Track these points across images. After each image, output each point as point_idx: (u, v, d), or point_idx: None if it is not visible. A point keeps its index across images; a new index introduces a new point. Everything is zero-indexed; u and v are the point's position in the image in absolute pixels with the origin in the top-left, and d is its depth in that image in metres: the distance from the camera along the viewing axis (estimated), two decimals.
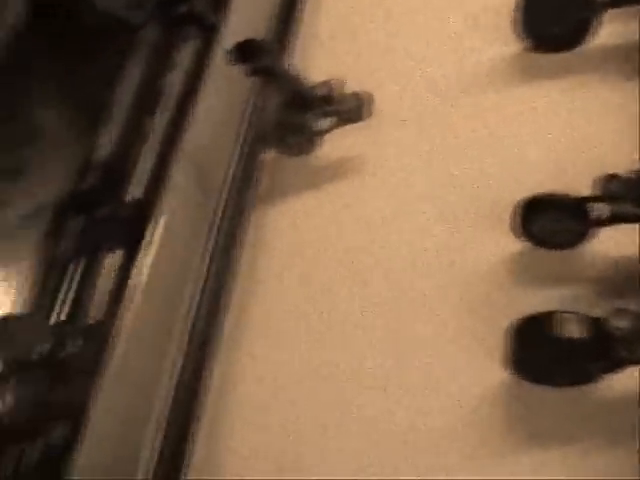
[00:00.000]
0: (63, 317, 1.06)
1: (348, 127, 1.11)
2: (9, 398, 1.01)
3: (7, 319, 1.04)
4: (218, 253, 1.06)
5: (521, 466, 0.86)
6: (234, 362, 1.01)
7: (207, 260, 1.05)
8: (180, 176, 1.09)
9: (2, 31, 1.04)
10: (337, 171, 1.12)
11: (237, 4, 1.21)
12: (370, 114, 1.09)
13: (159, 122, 1.16)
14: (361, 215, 1.08)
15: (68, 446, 0.95)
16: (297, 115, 1.10)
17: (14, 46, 1.09)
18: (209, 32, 1.20)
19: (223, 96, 1.16)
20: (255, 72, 1.07)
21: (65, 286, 1.08)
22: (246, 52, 1.06)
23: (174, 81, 1.18)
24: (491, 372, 0.90)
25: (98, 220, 1.09)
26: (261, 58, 1.05)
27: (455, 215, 1.03)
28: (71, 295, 1.07)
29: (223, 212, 1.09)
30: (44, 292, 1.08)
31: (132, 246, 1.05)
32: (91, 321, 1.04)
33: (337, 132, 1.12)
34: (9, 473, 0.98)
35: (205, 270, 1.05)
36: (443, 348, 0.93)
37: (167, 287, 1.05)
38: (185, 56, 1.20)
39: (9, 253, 1.13)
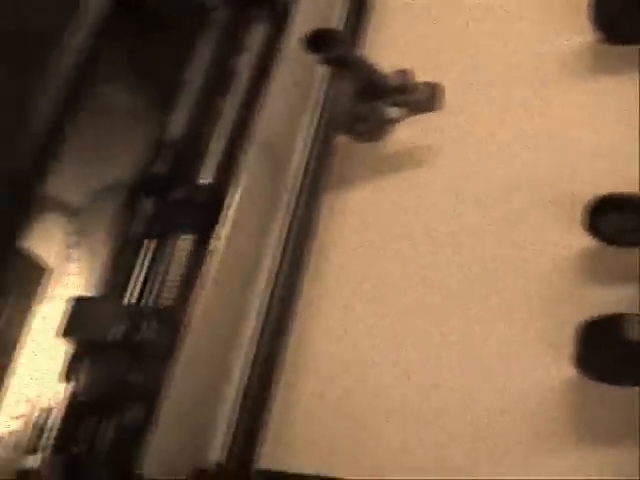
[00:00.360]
0: (134, 300, 1.09)
1: (418, 117, 1.11)
2: (83, 378, 1.04)
3: (82, 300, 1.06)
4: (291, 238, 1.07)
5: (587, 465, 0.88)
6: (301, 354, 1.03)
7: (280, 245, 1.07)
8: (253, 160, 1.10)
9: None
10: (405, 159, 1.12)
11: None
12: (441, 105, 1.09)
13: (231, 104, 1.17)
14: (429, 205, 1.08)
15: (142, 427, 0.99)
16: (368, 103, 1.10)
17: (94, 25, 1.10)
18: (281, 16, 1.20)
19: (295, 81, 1.17)
20: (328, 61, 1.07)
21: (137, 268, 1.11)
22: (319, 42, 1.06)
23: (246, 64, 1.19)
24: (559, 370, 0.92)
25: (171, 203, 1.11)
26: (334, 48, 1.06)
27: (523, 211, 1.04)
28: (142, 278, 1.10)
29: (297, 198, 1.10)
30: (117, 274, 1.11)
31: (205, 230, 1.07)
32: (163, 305, 1.06)
33: (407, 121, 1.12)
34: (83, 451, 1.02)
35: (279, 255, 1.06)
36: (513, 345, 0.95)
37: (239, 272, 1.07)
38: (256, 39, 1.21)
39: (82, 232, 1.15)
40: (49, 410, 1.05)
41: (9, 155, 1.05)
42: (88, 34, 1.08)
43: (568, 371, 0.91)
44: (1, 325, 1.02)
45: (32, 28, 1.03)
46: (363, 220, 1.10)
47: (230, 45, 1.21)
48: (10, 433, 1.04)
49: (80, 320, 1.04)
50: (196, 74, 1.20)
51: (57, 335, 1.04)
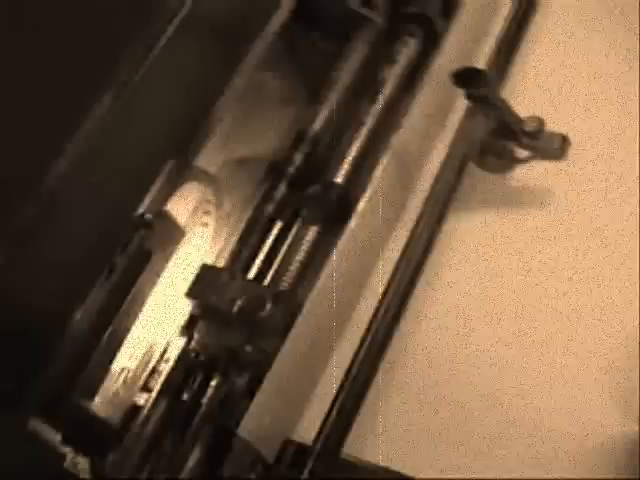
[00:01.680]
0: (255, 276, 1.21)
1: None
2: (200, 337, 1.17)
3: (209, 268, 1.17)
4: (409, 252, 1.17)
5: None
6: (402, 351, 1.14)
7: (397, 256, 1.17)
8: (385, 169, 1.18)
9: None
10: (528, 198, 1.21)
11: (464, 22, 1.27)
12: (566, 156, 1.17)
13: (373, 111, 1.25)
14: (543, 246, 1.17)
15: (244, 393, 1.11)
16: (501, 140, 1.18)
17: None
18: (435, 36, 1.28)
19: (437, 102, 1.25)
20: (471, 98, 1.15)
21: (263, 248, 1.22)
22: (466, 78, 1.14)
23: (393, 75, 1.27)
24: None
25: (304, 193, 1.20)
26: (480, 87, 1.13)
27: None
28: (266, 258, 1.21)
29: (421, 213, 1.19)
30: (244, 248, 1.22)
31: (332, 225, 1.18)
32: (282, 287, 1.17)
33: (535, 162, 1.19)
34: (188, 400, 1.15)
35: (395, 263, 1.16)
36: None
37: (356, 270, 1.17)
38: (407, 53, 1.28)
39: (218, 201, 1.25)
40: (166, 358, 1.18)
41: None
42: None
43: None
44: (141, 278, 1.14)
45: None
46: (475, 248, 1.18)
47: (382, 54, 1.29)
48: (128, 370, 1.17)
49: (205, 286, 1.15)
50: (345, 76, 1.28)
51: (184, 295, 1.16)
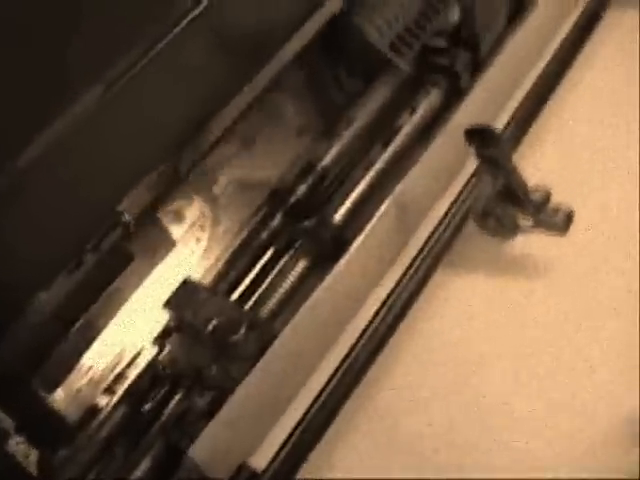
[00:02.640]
0: (238, 299, 1.19)
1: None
2: (172, 350, 1.15)
3: (192, 283, 1.15)
4: (396, 300, 1.15)
5: None
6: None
7: (384, 303, 1.14)
8: (385, 215, 1.17)
9: None
10: (524, 266, 1.18)
11: (490, 82, 1.26)
12: (569, 229, 1.14)
13: (383, 154, 1.24)
14: (533, 315, 1.14)
15: (204, 413, 1.09)
16: (506, 206, 1.16)
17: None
18: (457, 93, 1.26)
19: (449, 156, 1.23)
20: (482, 158, 1.13)
21: (251, 272, 1.20)
22: (479, 136, 1.12)
23: (410, 123, 1.26)
24: None
25: (301, 226, 1.19)
26: (491, 148, 1.12)
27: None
28: (251, 283, 1.19)
29: (412, 260, 1.17)
30: (232, 269, 1.20)
31: (322, 263, 1.16)
32: (261, 315, 1.15)
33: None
34: (146, 412, 1.12)
35: (379, 308, 1.14)
36: None
37: (339, 309, 1.15)
38: (428, 103, 1.27)
39: (215, 219, 1.24)
40: (134, 364, 1.16)
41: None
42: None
43: None
44: (120, 279, 1.12)
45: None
46: (462, 304, 1.16)
47: (403, 100, 1.28)
48: (95, 369, 1.15)
49: (184, 299, 1.14)
50: (363, 116, 1.27)
51: (162, 305, 1.14)
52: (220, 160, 1.24)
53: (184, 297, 1.14)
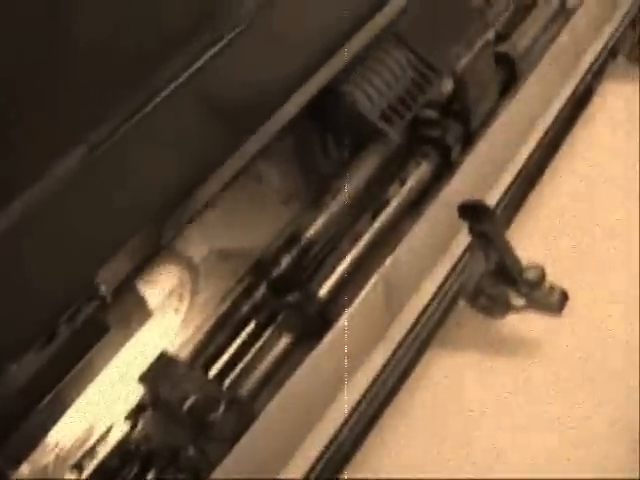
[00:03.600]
0: (216, 376, 1.12)
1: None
2: (144, 427, 1.07)
3: (169, 357, 1.08)
4: (385, 381, 1.08)
5: None
6: None
7: (368, 382, 1.08)
8: (372, 291, 1.11)
9: None
10: (512, 345, 1.13)
11: (482, 155, 1.22)
12: (562, 311, 1.10)
13: (372, 229, 1.19)
14: (525, 394, 1.09)
15: None
16: (498, 284, 1.11)
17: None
18: (447, 166, 1.22)
19: (438, 232, 1.18)
20: (475, 234, 1.08)
21: (230, 348, 1.13)
22: (471, 211, 1.08)
23: (399, 195, 1.21)
24: None
25: (284, 301, 1.13)
26: (485, 224, 1.07)
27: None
28: (230, 359, 1.13)
29: (402, 340, 1.11)
30: (210, 344, 1.13)
31: (306, 340, 1.10)
32: (240, 394, 1.08)
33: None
34: None
35: (366, 394, 1.08)
36: None
37: (319, 392, 1.09)
38: (417, 176, 1.23)
39: (194, 290, 1.17)
40: (104, 440, 1.09)
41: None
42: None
43: None
44: (94, 351, 1.05)
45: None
46: (451, 388, 1.11)
47: (392, 172, 1.23)
48: (62, 445, 1.07)
49: (160, 374, 1.07)
50: (351, 187, 1.22)
51: (137, 379, 1.07)
52: (201, 228, 1.18)
53: (160, 372, 1.07)
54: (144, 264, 1.02)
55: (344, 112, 1.18)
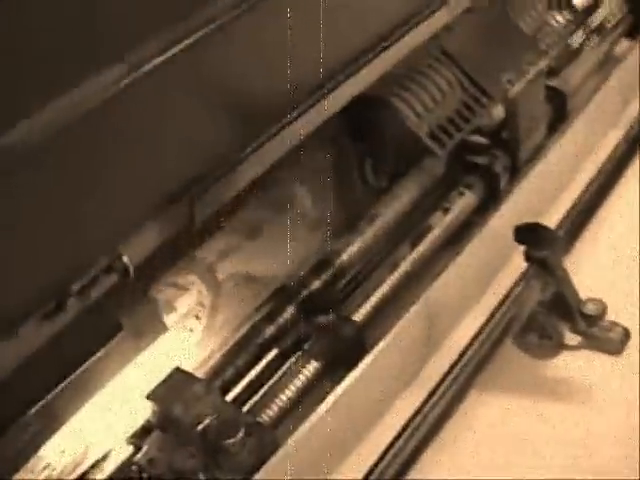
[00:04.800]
0: (235, 400, 0.98)
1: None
2: (149, 451, 0.93)
3: (182, 373, 0.95)
4: (420, 423, 0.95)
5: None
6: None
7: (407, 425, 0.95)
8: (411, 320, 1.00)
9: None
10: (564, 389, 1.00)
11: (532, 185, 1.11)
12: (623, 351, 0.98)
13: (411, 257, 1.08)
14: (572, 441, 0.95)
15: None
16: (552, 318, 0.99)
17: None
18: (494, 195, 1.12)
19: (487, 261, 1.07)
20: (531, 259, 0.97)
21: (252, 371, 1.00)
22: (529, 236, 0.97)
23: (441, 224, 1.11)
24: None
25: (314, 324, 1.00)
26: (544, 250, 0.95)
27: None
28: (251, 382, 0.99)
29: (443, 377, 0.98)
30: (230, 366, 1.00)
31: (336, 366, 0.97)
32: (261, 420, 0.94)
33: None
34: None
35: (400, 436, 0.95)
36: None
37: (353, 425, 0.95)
38: (461, 206, 1.12)
39: (214, 307, 1.05)
40: (102, 463, 0.94)
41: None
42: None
43: None
44: (99, 357, 0.91)
45: None
46: (492, 433, 0.97)
47: (434, 199, 1.13)
48: (52, 468, 0.92)
49: (173, 391, 0.93)
50: (390, 212, 1.11)
51: (145, 396, 0.93)
52: (226, 248, 1.07)
53: (172, 388, 0.93)
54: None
55: (391, 126, 1.08)
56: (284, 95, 0.89)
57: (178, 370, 0.96)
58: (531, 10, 1.23)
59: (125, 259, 0.73)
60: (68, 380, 0.86)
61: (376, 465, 0.94)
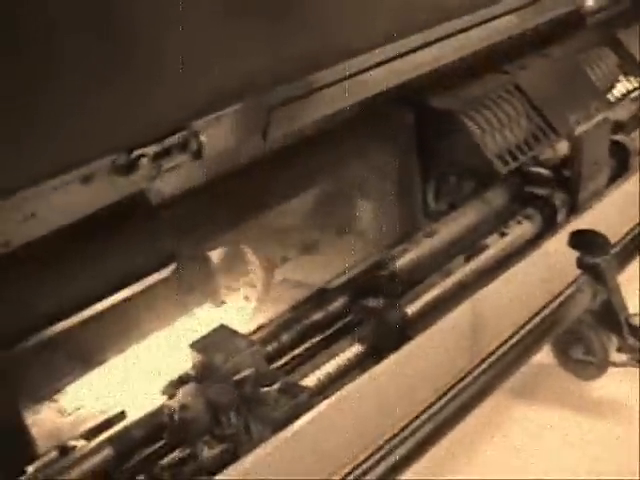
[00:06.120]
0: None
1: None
2: (181, 396, 0.91)
3: (228, 328, 0.94)
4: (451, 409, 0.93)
5: None
6: None
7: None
8: (458, 317, 0.98)
9: None
10: (604, 408, 0.97)
11: (586, 222, 1.11)
12: None
13: (465, 269, 1.08)
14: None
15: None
16: (599, 332, 0.97)
17: None
18: (551, 223, 1.12)
19: (542, 277, 1.06)
20: (583, 266, 0.96)
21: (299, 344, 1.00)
22: (584, 243, 0.97)
23: (497, 245, 1.11)
24: None
25: (365, 307, 1.00)
26: (599, 257, 0.95)
27: None
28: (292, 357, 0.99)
29: (477, 377, 0.97)
30: (273, 340, 1.00)
31: (378, 353, 0.96)
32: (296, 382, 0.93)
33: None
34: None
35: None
36: None
37: (385, 407, 0.93)
38: (518, 233, 1.12)
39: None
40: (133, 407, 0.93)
41: None
42: None
43: None
44: (147, 307, 0.91)
45: None
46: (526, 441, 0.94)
47: (491, 226, 1.13)
48: (82, 409, 0.91)
49: (215, 343, 0.92)
50: (445, 230, 1.12)
51: (189, 345, 0.93)
52: (284, 237, 1.08)
53: (217, 341, 0.93)
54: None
55: (457, 141, 1.10)
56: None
57: (223, 326, 0.96)
58: (603, 67, 1.26)
59: (202, 137, 0.73)
60: (114, 300, 0.85)
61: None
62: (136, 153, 0.68)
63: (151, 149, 0.68)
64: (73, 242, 0.75)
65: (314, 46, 0.81)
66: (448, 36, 0.99)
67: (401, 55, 0.92)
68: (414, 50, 0.94)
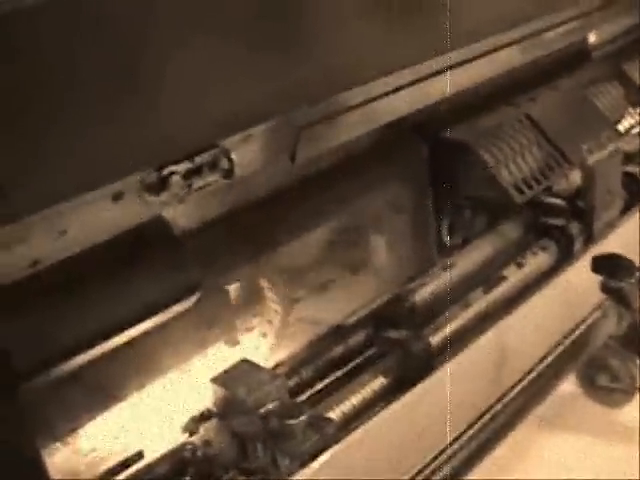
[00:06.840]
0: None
1: None
2: (204, 433, 0.88)
3: (249, 362, 0.92)
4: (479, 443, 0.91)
5: None
6: None
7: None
8: (483, 343, 0.96)
9: None
10: (631, 434, 0.94)
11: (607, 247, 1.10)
12: None
13: (484, 300, 1.06)
14: None
15: None
16: (624, 357, 0.95)
17: None
18: (567, 252, 1.11)
19: (565, 300, 1.04)
20: (607, 291, 0.94)
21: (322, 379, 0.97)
22: (607, 266, 0.95)
23: (515, 276, 1.09)
24: None
25: (388, 338, 0.98)
26: (619, 278, 0.93)
27: None
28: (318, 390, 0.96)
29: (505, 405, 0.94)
30: (297, 373, 0.97)
31: (401, 386, 0.94)
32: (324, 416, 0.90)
33: None
34: None
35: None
36: None
37: (410, 440, 0.91)
38: (534, 264, 1.11)
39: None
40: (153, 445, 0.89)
41: None
42: None
43: None
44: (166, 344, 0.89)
45: None
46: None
47: (507, 258, 1.12)
48: (99, 451, 0.88)
49: (238, 376, 0.90)
50: (463, 261, 1.10)
51: (210, 380, 0.90)
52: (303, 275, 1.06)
53: (239, 375, 0.90)
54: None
55: (472, 172, 1.09)
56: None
57: (244, 360, 0.93)
58: (610, 99, 1.26)
59: (233, 155, 0.71)
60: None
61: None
62: (167, 170, 0.66)
63: (182, 167, 0.67)
64: (96, 267, 0.73)
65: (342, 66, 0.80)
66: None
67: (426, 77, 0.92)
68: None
